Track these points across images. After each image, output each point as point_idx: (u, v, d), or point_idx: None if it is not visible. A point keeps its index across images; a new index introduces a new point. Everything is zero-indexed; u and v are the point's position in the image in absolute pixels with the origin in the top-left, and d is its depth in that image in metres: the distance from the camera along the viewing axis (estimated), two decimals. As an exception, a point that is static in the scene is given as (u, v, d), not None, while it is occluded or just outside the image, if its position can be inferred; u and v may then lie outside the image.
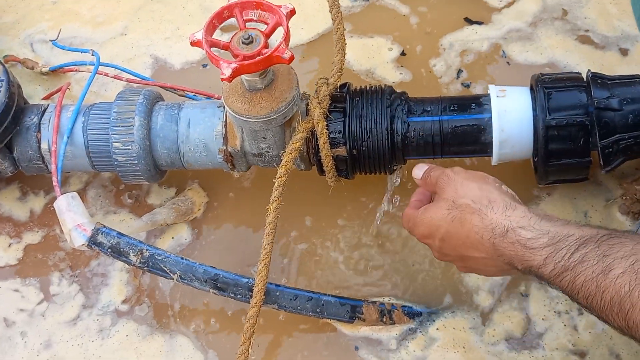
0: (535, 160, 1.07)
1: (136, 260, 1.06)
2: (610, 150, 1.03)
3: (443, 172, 0.92)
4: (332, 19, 1.07)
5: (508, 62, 1.28)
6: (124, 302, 1.15)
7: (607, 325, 1.01)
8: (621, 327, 0.72)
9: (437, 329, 1.07)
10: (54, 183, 1.09)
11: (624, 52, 1.27)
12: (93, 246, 1.06)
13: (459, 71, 1.28)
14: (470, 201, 0.85)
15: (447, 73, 1.28)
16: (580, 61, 1.26)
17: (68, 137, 1.11)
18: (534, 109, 1.04)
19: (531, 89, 1.07)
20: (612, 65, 1.25)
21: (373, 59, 1.31)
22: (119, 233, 1.07)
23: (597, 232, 0.76)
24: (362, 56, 1.32)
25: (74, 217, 1.06)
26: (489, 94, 1.06)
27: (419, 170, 0.98)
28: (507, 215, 0.82)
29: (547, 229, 0.79)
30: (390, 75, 1.29)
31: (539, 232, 0.79)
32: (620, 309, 0.70)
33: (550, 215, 0.82)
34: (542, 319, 1.06)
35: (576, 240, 0.76)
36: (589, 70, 1.07)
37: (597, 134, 1.03)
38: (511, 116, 1.04)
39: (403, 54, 1.31)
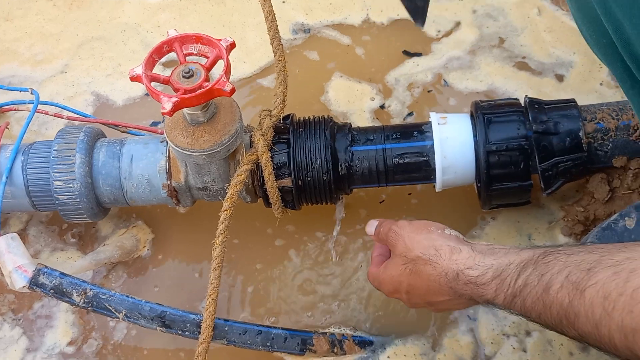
0: (479, 185, 1.09)
1: (80, 300, 1.04)
2: (550, 173, 1.05)
3: (390, 229, 0.95)
4: (273, 51, 1.08)
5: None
6: (69, 344, 1.13)
7: (554, 346, 1.04)
8: (576, 337, 0.74)
9: (389, 357, 1.07)
10: (-7, 224, 1.07)
11: (560, 77, 1.30)
12: (34, 287, 1.04)
13: (409, 114, 1.29)
14: (420, 253, 0.90)
15: (403, 111, 1.30)
16: (518, 87, 1.29)
17: (7, 177, 1.09)
18: (475, 135, 1.06)
19: (471, 115, 1.09)
20: (549, 91, 1.28)
21: (353, 104, 1.31)
22: (62, 273, 1.05)
23: (533, 253, 0.80)
24: (343, 98, 1.32)
25: (13, 258, 1.04)
26: (431, 122, 1.08)
27: (371, 227, 1.01)
28: (454, 260, 0.87)
29: (491, 263, 0.83)
30: (365, 124, 1.27)
31: (484, 268, 0.84)
32: (568, 320, 0.73)
33: (493, 247, 0.86)
34: (492, 342, 1.07)
35: (517, 267, 0.80)
36: (526, 95, 1.10)
37: (537, 158, 1.05)
38: (453, 143, 1.06)
39: (382, 107, 1.30)
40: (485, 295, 0.83)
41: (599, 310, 0.69)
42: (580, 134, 1.05)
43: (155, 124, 1.29)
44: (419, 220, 0.95)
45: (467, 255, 0.86)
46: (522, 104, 1.09)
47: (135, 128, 1.22)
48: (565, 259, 0.75)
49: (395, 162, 1.07)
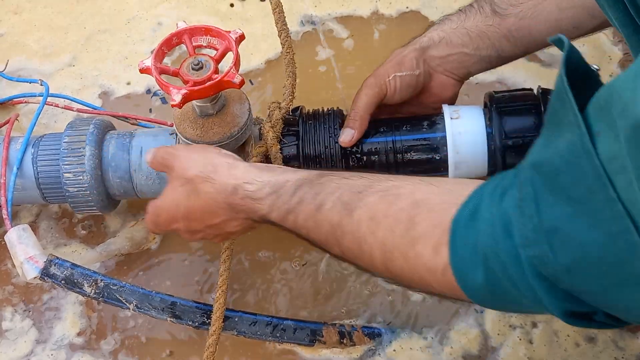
0: (492, 178, 1.08)
1: (91, 291, 1.04)
2: (566, 164, 1.04)
3: (166, 151, 0.94)
4: (281, 43, 1.08)
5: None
6: (78, 335, 1.13)
7: (560, 337, 1.04)
8: (337, 255, 0.80)
9: (394, 350, 1.07)
10: (4, 216, 1.07)
11: (569, 69, 1.29)
12: (46, 278, 1.04)
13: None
14: (198, 171, 0.88)
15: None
16: (527, 78, 1.29)
17: (18, 169, 1.09)
18: (490, 128, 1.04)
19: (485, 106, 1.08)
20: (558, 83, 1.27)
21: None
22: (73, 264, 1.05)
23: (309, 174, 0.83)
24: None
25: (25, 249, 1.04)
26: (442, 113, 1.07)
27: (149, 154, 0.96)
28: (232, 174, 0.87)
29: (268, 179, 0.85)
30: None
31: (261, 184, 0.84)
32: (335, 238, 0.78)
33: (270, 165, 0.90)
34: (498, 333, 1.07)
35: (293, 184, 0.82)
36: (539, 86, 1.08)
37: (553, 149, 1.04)
38: (465, 138, 1.05)
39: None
40: (260, 211, 0.84)
41: (364, 229, 0.74)
42: (594, 125, 1.04)
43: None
44: (197, 144, 0.97)
45: (245, 170, 0.87)
46: (535, 94, 1.08)
47: (145, 120, 1.22)
48: (339, 180, 0.79)
49: (406, 153, 1.07)
